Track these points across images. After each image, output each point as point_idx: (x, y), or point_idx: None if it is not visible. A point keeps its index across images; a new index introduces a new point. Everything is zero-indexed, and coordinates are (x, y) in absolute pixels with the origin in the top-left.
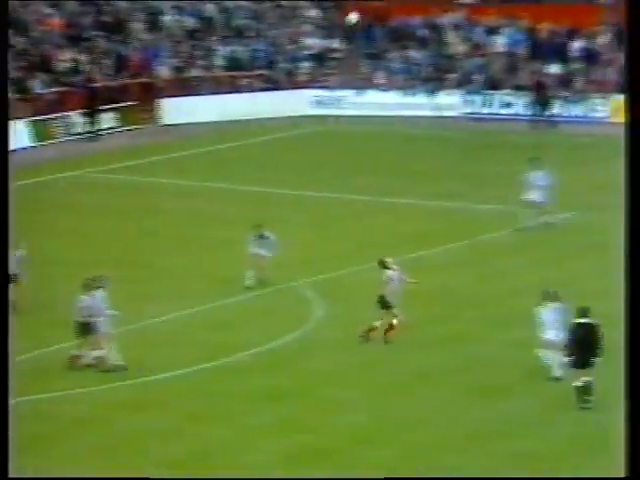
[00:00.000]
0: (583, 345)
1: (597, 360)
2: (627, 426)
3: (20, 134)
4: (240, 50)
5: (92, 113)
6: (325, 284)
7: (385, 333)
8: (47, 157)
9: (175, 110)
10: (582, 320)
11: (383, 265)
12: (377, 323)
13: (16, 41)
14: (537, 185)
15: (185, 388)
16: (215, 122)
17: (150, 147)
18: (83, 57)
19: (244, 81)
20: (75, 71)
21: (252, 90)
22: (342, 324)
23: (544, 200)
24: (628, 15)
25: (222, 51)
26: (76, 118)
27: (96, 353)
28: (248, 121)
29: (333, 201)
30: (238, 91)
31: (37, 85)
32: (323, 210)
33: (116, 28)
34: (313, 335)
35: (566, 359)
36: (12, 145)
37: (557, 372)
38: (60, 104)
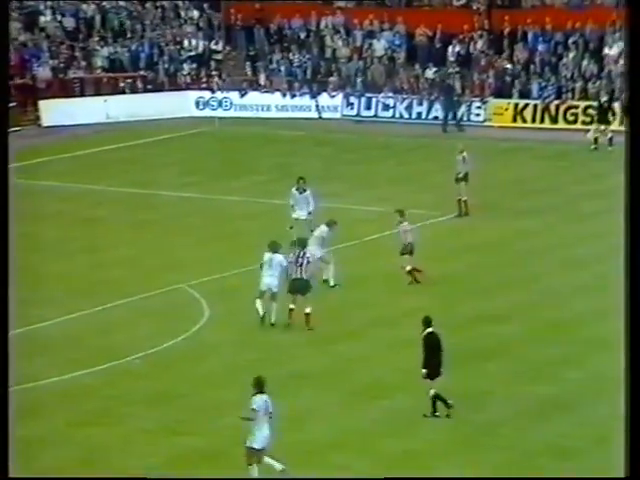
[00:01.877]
0: (434, 355)
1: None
2: (627, 426)
3: None
4: (121, 51)
5: None
6: (210, 285)
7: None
8: None
9: (56, 112)
10: (430, 330)
11: (402, 214)
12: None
13: None
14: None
15: (71, 392)
16: (97, 124)
17: (30, 149)
18: None
19: (126, 82)
20: None
21: (134, 91)
22: (229, 325)
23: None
24: (628, 15)
25: (102, 52)
26: None
27: None
28: (130, 123)
29: (213, 203)
30: (120, 92)
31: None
32: (203, 212)
33: None
34: (201, 337)
35: (424, 371)
36: None
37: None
38: None
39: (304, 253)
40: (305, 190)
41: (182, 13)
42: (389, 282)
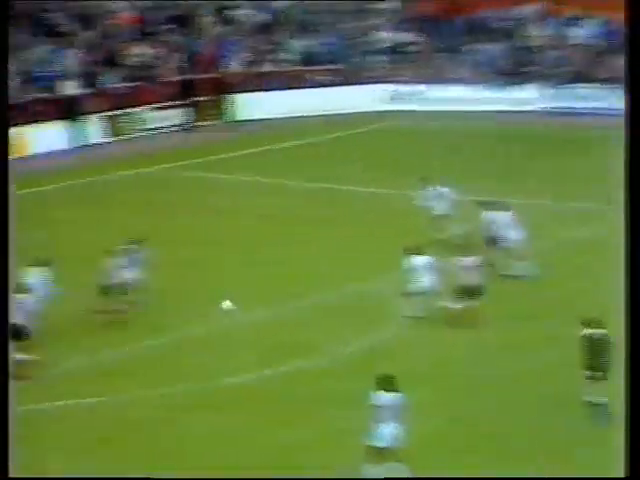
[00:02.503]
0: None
1: None
2: (627, 426)
3: (92, 129)
4: (312, 44)
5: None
6: (400, 284)
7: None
8: (118, 153)
9: (246, 106)
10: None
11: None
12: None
13: (86, 35)
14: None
15: (260, 391)
16: (286, 118)
17: (219, 144)
18: (153, 51)
19: (316, 76)
20: (146, 66)
21: (324, 85)
22: (422, 325)
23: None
24: (628, 15)
25: (293, 45)
26: (147, 114)
27: None
28: (321, 117)
29: (396, 199)
30: (311, 86)
31: (108, 79)
32: (387, 208)
33: (187, 22)
34: (393, 337)
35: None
36: (85, 141)
37: None
38: (132, 99)
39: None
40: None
41: (373, 5)
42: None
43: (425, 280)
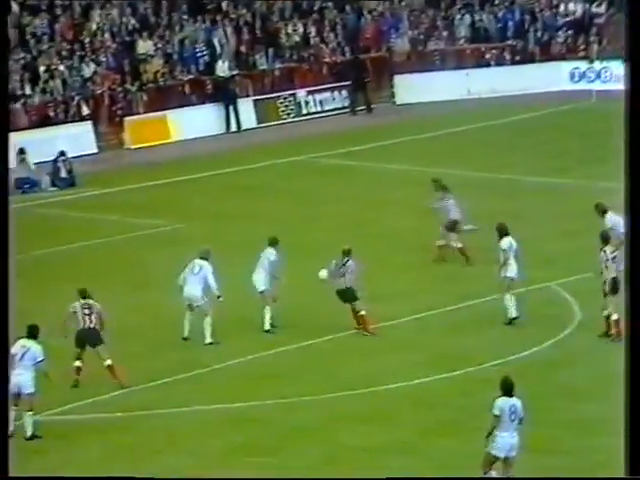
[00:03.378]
0: None
1: None
2: (627, 426)
3: (245, 114)
4: (487, 19)
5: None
6: (582, 284)
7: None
8: (271, 139)
9: (412, 88)
10: None
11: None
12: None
13: (239, 14)
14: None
15: (417, 399)
16: (457, 100)
17: (382, 129)
18: (312, 30)
19: (491, 53)
20: (304, 45)
21: (500, 63)
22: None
23: None
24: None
25: (466, 20)
26: (304, 97)
27: None
28: (495, 98)
29: (581, 191)
30: (484, 65)
31: (263, 61)
32: (570, 201)
33: None
34: (569, 343)
35: None
36: (237, 126)
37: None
38: (287, 81)
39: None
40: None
41: None
42: None
43: None
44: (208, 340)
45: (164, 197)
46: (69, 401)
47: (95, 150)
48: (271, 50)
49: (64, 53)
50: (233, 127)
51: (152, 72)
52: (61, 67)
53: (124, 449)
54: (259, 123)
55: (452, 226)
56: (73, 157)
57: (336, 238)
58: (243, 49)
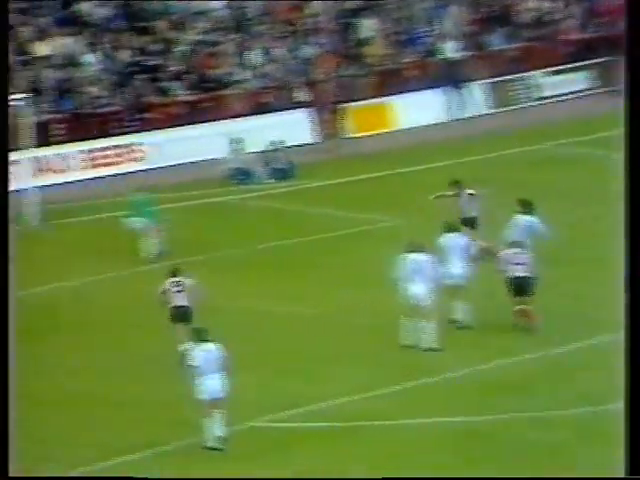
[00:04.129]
0: None
1: None
2: (627, 426)
3: (474, 98)
4: None
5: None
6: None
7: None
8: (503, 126)
9: None
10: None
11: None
12: None
13: None
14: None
15: None
16: None
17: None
18: (550, 5)
19: None
20: (541, 22)
21: None
22: None
23: None
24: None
25: None
26: (541, 78)
27: None
28: None
29: None
30: None
31: (496, 40)
32: None
33: None
34: None
35: None
36: (465, 112)
37: None
38: (523, 62)
39: None
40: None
41: None
42: None
43: None
44: (430, 345)
45: (385, 190)
46: (286, 407)
47: (313, 139)
48: (504, 29)
49: (281, 35)
50: (461, 114)
51: (374, 54)
52: (278, 50)
53: (341, 459)
54: (490, 109)
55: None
56: (290, 146)
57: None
58: (473, 28)
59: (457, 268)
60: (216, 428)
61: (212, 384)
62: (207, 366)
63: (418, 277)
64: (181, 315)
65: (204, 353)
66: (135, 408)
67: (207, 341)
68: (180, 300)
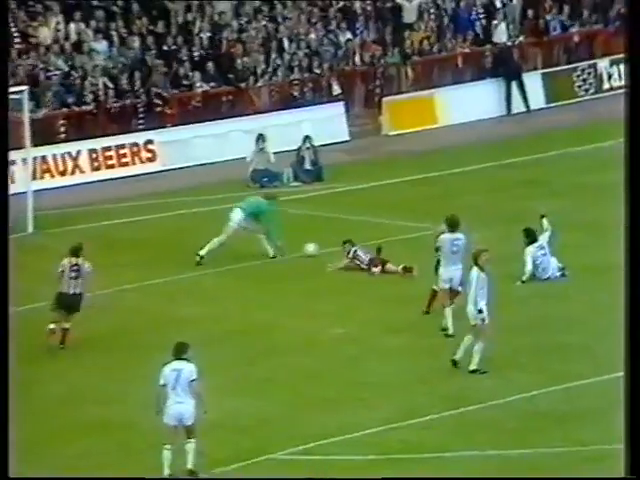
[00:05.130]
0: None
1: None
2: (627, 425)
3: (532, 91)
4: None
5: None
6: None
7: None
8: (561, 122)
9: None
10: None
11: None
12: None
13: None
14: None
15: None
16: None
17: None
18: None
19: None
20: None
21: None
22: None
23: None
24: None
25: None
26: (606, 67)
27: None
28: None
29: None
30: None
31: (555, 26)
32: None
33: None
34: None
35: None
36: (524, 105)
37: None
38: (586, 48)
39: None
40: None
41: None
42: None
43: None
44: (475, 367)
45: (430, 194)
46: (316, 437)
47: (347, 137)
48: (566, 10)
49: (313, 20)
50: (517, 108)
51: (418, 41)
52: (310, 36)
53: None
54: (549, 102)
55: None
56: (321, 145)
57: None
58: (531, 11)
59: None
60: (188, 459)
61: (178, 408)
62: (176, 387)
63: (482, 293)
64: (70, 305)
65: (175, 373)
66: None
67: (181, 359)
68: (73, 288)
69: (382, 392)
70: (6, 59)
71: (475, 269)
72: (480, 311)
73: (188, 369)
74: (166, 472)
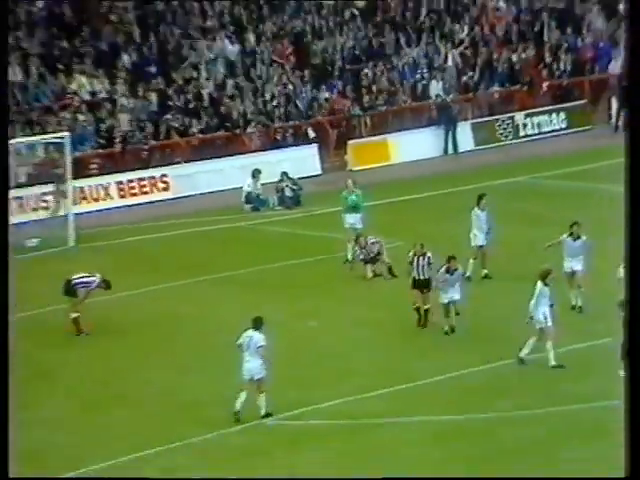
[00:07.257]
0: None
1: None
2: (627, 425)
3: (463, 136)
4: None
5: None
6: None
7: None
8: (487, 161)
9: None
10: None
11: None
12: None
13: (460, 38)
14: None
15: None
16: None
17: (600, 150)
18: (527, 55)
19: None
20: (520, 69)
21: None
22: None
23: None
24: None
25: None
26: (522, 119)
27: None
28: None
29: None
30: None
31: (482, 84)
32: None
33: (568, 19)
34: None
35: None
36: (454, 148)
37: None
38: (504, 104)
39: None
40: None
41: None
42: None
43: None
44: (554, 362)
45: (384, 217)
46: (298, 406)
47: (320, 172)
48: (487, 73)
49: (292, 79)
50: (452, 150)
51: (375, 97)
52: (289, 92)
53: (346, 456)
54: (477, 145)
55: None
56: (299, 178)
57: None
58: (465, 74)
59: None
60: (262, 407)
61: (247, 365)
62: (248, 349)
63: (544, 301)
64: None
65: (248, 338)
66: (157, 406)
67: (256, 329)
68: None
69: (349, 373)
70: (6, 59)
71: (539, 283)
72: (544, 317)
73: (257, 337)
74: (237, 407)
